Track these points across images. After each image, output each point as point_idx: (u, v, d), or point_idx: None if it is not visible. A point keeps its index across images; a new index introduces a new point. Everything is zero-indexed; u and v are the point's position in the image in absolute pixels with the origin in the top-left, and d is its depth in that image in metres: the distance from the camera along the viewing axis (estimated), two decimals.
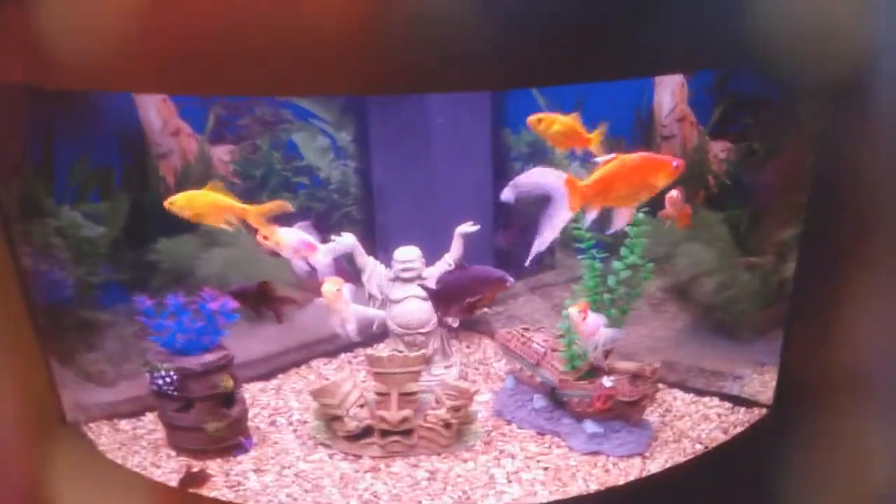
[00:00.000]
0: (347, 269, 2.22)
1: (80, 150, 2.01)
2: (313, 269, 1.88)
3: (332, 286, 1.88)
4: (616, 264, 1.94)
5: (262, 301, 1.88)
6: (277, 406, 2.24)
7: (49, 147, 1.95)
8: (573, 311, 1.83)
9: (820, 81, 1.73)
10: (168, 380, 1.88)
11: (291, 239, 1.83)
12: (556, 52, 1.37)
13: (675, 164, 1.51)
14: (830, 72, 1.64)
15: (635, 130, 2.27)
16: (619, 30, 1.37)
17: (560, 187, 1.55)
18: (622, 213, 1.60)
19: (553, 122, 1.84)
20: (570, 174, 1.56)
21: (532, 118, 1.84)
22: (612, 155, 1.54)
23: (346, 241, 2.23)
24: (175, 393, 1.89)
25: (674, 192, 1.86)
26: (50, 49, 1.43)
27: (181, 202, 1.70)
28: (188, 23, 1.36)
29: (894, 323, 1.81)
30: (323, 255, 1.86)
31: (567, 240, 2.54)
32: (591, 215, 1.57)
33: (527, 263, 1.76)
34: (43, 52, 1.43)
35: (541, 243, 1.60)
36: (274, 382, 2.39)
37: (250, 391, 2.29)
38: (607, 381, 1.89)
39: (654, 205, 1.78)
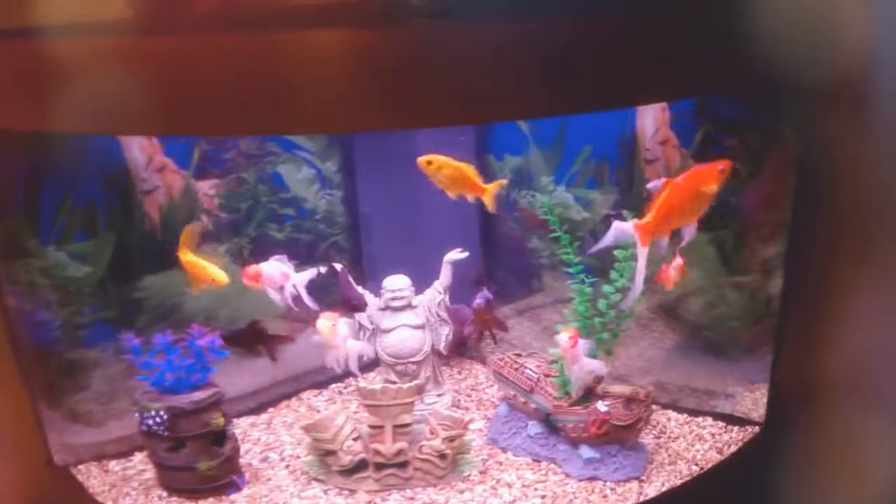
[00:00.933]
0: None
1: (65, 189, 1.99)
2: (297, 300, 1.91)
3: (326, 321, 1.88)
4: (606, 288, 1.95)
5: (254, 341, 1.87)
6: (269, 441, 2.21)
7: (34, 188, 1.93)
8: (563, 336, 1.84)
9: (801, 103, 1.77)
10: (158, 419, 1.85)
11: (271, 272, 1.87)
12: (540, 86, 1.38)
13: (720, 168, 1.54)
14: (815, 89, 1.68)
15: (619, 154, 2.30)
16: (602, 63, 1.40)
17: (632, 234, 1.57)
18: (689, 229, 1.62)
19: (443, 166, 1.86)
20: (636, 222, 1.57)
21: (422, 159, 1.86)
22: (662, 181, 1.56)
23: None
24: (166, 433, 1.86)
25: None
26: (35, 93, 1.43)
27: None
28: (180, 67, 1.36)
29: (882, 336, 1.83)
30: (298, 280, 1.90)
31: (555, 263, 2.57)
32: (664, 242, 1.59)
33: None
34: (29, 95, 1.44)
35: (634, 292, 1.63)
36: (264, 416, 2.36)
37: (241, 426, 2.26)
38: (602, 406, 1.89)
39: None
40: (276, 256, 1.92)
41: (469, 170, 1.88)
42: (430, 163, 1.86)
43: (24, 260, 1.92)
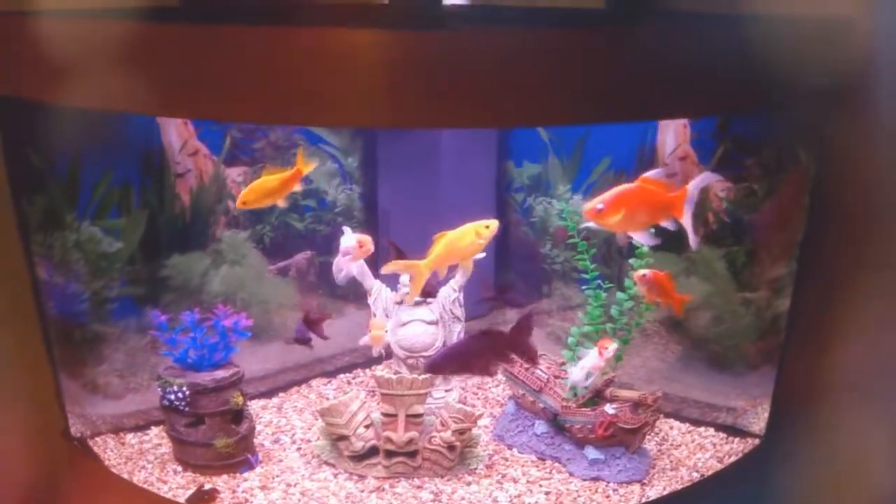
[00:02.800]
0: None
1: (104, 167, 2.05)
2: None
3: (379, 330, 2.18)
4: (619, 295, 2.01)
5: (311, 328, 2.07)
6: (280, 424, 2.27)
7: (77, 163, 1.99)
8: (606, 345, 1.93)
9: (818, 124, 1.83)
10: (180, 395, 1.91)
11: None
12: (562, 94, 1.44)
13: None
14: (832, 110, 1.74)
15: (637, 167, 2.36)
16: (625, 75, 1.45)
17: None
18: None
19: (254, 194, 1.89)
20: None
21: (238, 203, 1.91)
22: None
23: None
24: (186, 408, 1.92)
25: (644, 272, 1.93)
26: (82, 71, 1.48)
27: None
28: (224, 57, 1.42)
29: (886, 357, 1.89)
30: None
31: (566, 269, 2.63)
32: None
33: None
34: (76, 74, 1.49)
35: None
36: (275, 400, 2.42)
37: (252, 408, 2.31)
38: (609, 409, 1.95)
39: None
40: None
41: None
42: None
43: (60, 232, 1.98)
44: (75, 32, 1.48)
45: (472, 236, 1.92)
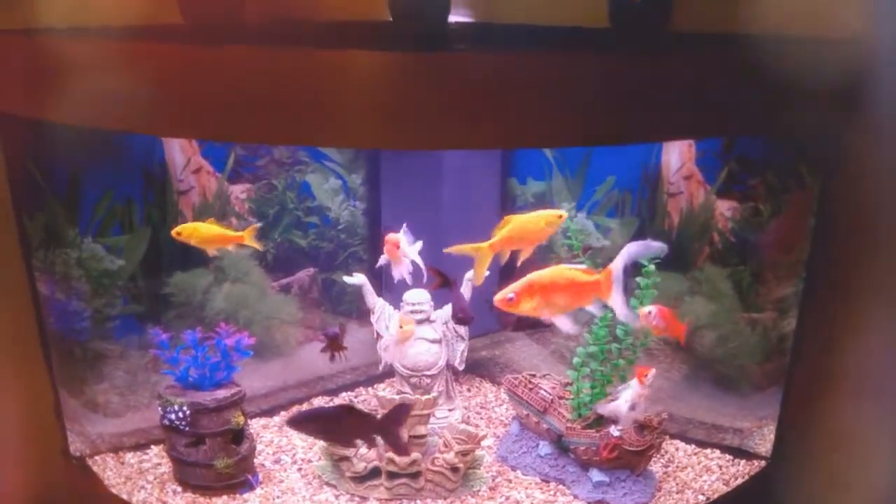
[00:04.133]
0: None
1: (107, 184, 2.05)
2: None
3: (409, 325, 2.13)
4: None
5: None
6: (281, 444, 2.25)
7: (77, 180, 1.99)
8: (646, 372, 1.89)
9: (824, 146, 1.83)
10: (181, 414, 1.89)
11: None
12: (565, 116, 1.44)
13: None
14: (838, 133, 1.74)
15: (642, 185, 2.36)
16: (628, 97, 1.45)
17: None
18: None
19: (194, 231, 1.97)
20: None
21: (173, 231, 1.97)
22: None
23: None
24: (187, 428, 1.90)
25: (649, 310, 1.90)
26: (83, 90, 1.48)
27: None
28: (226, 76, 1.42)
29: (892, 377, 1.87)
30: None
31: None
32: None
33: None
34: (75, 92, 1.49)
35: None
36: (276, 419, 2.40)
37: (252, 427, 2.29)
38: (614, 430, 1.93)
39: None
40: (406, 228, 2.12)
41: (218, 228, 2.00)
42: (179, 233, 1.96)
43: (62, 249, 1.97)
44: (78, 50, 1.48)
45: (541, 223, 1.84)
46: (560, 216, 1.85)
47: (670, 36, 1.86)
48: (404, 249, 2.11)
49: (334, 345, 2.15)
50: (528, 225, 1.85)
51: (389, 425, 1.81)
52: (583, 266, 1.65)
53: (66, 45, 1.52)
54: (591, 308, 1.68)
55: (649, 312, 1.88)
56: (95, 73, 1.45)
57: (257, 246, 2.10)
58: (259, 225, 2.14)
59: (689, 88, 1.47)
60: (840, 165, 1.84)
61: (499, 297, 1.65)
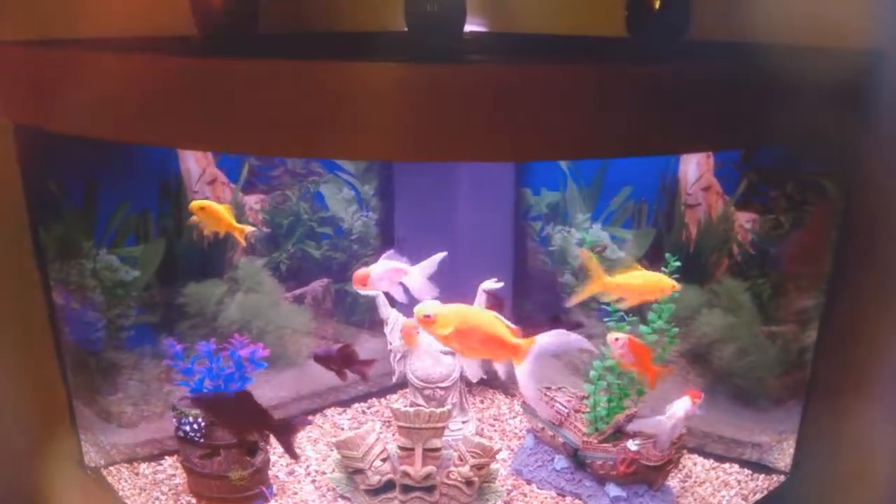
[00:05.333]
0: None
1: (122, 195, 2.05)
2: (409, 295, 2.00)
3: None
4: (642, 328, 1.97)
5: (345, 364, 1.95)
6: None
7: (94, 191, 1.99)
8: (699, 393, 1.87)
9: (846, 156, 1.80)
10: (196, 426, 1.88)
11: (380, 270, 1.95)
12: (582, 128, 1.42)
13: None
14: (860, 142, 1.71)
15: (659, 196, 2.33)
16: (646, 109, 1.43)
17: None
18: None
19: (207, 206, 2.02)
20: None
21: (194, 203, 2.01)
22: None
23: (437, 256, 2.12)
24: (201, 439, 1.90)
25: (617, 336, 1.88)
26: (98, 102, 1.48)
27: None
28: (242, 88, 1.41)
29: None
30: (416, 276, 1.98)
31: (586, 300, 2.59)
32: None
33: None
34: (91, 104, 1.49)
35: None
36: None
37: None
38: (632, 445, 1.91)
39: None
40: (386, 254, 2.03)
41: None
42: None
43: (77, 260, 1.97)
44: (94, 62, 1.49)
45: (659, 286, 1.87)
46: (673, 287, 1.87)
47: (689, 44, 1.85)
48: (374, 280, 2.04)
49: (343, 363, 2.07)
50: (648, 281, 1.86)
51: (282, 429, 1.82)
52: (513, 327, 1.63)
53: (83, 56, 1.52)
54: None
55: (616, 339, 1.85)
56: (111, 85, 1.45)
57: (241, 242, 2.13)
58: (254, 230, 2.20)
59: (708, 99, 1.45)
60: (863, 176, 1.82)
61: (419, 310, 1.67)
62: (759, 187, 2.03)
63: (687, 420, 1.87)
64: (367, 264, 2.81)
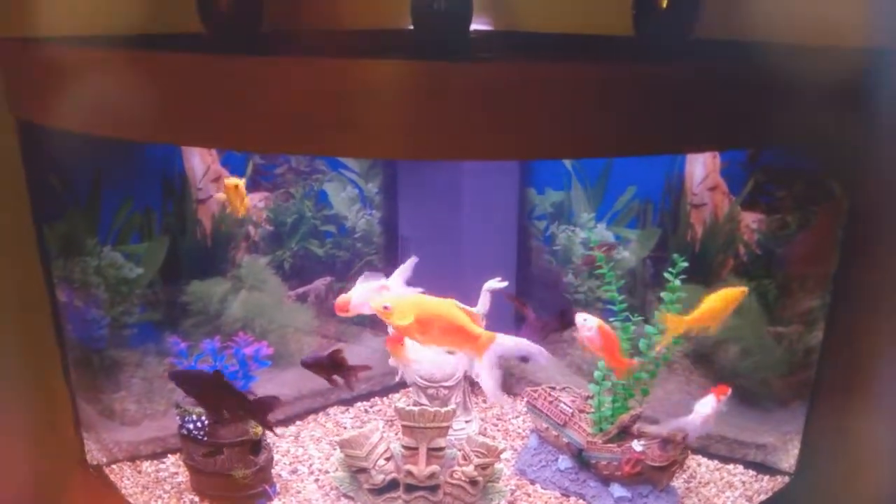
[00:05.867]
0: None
1: (125, 193, 2.05)
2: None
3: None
4: (648, 328, 1.96)
5: (334, 370, 1.90)
6: (297, 454, 2.23)
7: (97, 189, 1.99)
8: (725, 391, 1.88)
9: (852, 157, 1.79)
10: (199, 424, 1.88)
11: (360, 294, 1.93)
12: (587, 127, 1.42)
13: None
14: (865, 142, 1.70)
15: (664, 196, 2.32)
16: (651, 108, 1.42)
17: None
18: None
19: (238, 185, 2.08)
20: None
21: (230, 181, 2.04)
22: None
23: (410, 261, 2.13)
24: (205, 438, 1.89)
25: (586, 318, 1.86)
26: (102, 99, 1.48)
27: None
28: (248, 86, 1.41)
29: None
30: (396, 285, 1.97)
31: (589, 299, 2.58)
32: None
33: None
34: (95, 101, 1.49)
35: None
36: (292, 429, 2.38)
37: (270, 438, 2.27)
38: (637, 445, 1.90)
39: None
40: (366, 274, 2.01)
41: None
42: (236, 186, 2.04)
43: (81, 257, 1.97)
44: (98, 59, 1.48)
45: (734, 300, 1.86)
46: (743, 291, 1.86)
47: (695, 43, 1.84)
48: (356, 306, 2.01)
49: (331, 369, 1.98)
50: (723, 299, 1.85)
51: (257, 408, 1.83)
52: (472, 311, 1.63)
53: (86, 53, 1.52)
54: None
55: (585, 320, 1.84)
56: (115, 82, 1.45)
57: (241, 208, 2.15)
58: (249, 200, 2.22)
59: (714, 98, 1.44)
60: (868, 176, 1.81)
61: (377, 302, 1.67)
62: (765, 187, 2.03)
63: (716, 416, 1.87)
64: (370, 262, 2.84)
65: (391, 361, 2.26)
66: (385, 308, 1.64)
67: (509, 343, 1.61)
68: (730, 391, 1.88)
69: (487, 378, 1.61)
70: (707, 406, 1.86)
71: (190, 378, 1.84)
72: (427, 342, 1.69)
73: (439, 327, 1.62)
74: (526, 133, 1.38)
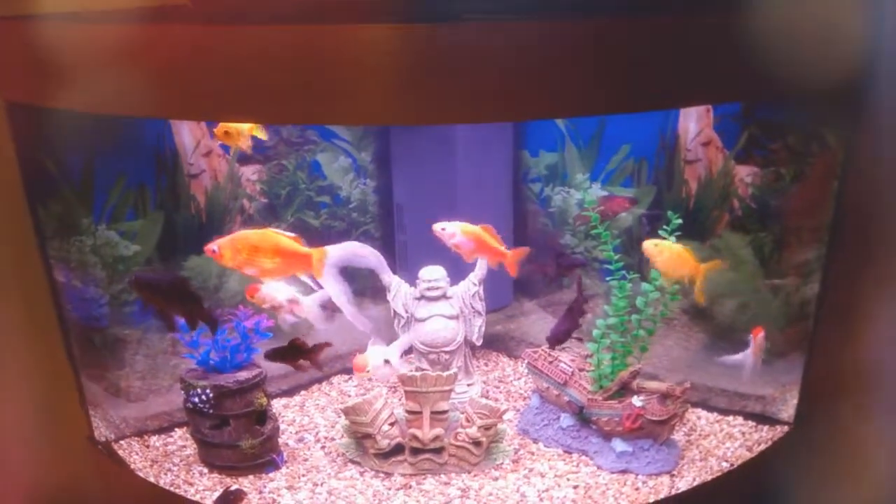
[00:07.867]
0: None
1: (118, 169, 2.04)
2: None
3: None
4: (645, 286, 1.98)
5: (296, 356, 1.93)
6: (303, 423, 2.26)
7: (90, 168, 1.98)
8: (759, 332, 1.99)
9: (845, 108, 1.78)
10: (204, 397, 1.90)
11: (275, 296, 1.94)
12: (580, 85, 1.40)
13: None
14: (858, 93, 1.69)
15: (659, 153, 2.32)
16: (641, 64, 1.41)
17: None
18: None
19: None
20: None
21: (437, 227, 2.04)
22: None
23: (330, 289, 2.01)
24: (211, 410, 1.91)
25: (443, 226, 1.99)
26: (90, 76, 1.46)
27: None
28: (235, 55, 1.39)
29: None
30: (308, 307, 1.98)
31: (587, 260, 2.59)
32: None
33: None
34: (83, 78, 1.47)
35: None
36: (297, 398, 2.41)
37: (274, 407, 2.30)
38: (637, 401, 1.92)
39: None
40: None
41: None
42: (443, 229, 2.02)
43: (77, 237, 1.97)
44: (85, 35, 1.46)
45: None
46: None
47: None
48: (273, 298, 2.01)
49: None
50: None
51: (209, 319, 1.83)
52: (293, 235, 1.66)
53: (73, 30, 1.50)
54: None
55: (443, 229, 1.90)
56: (103, 58, 1.43)
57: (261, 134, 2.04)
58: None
59: (706, 51, 1.43)
60: (862, 126, 1.80)
61: (206, 248, 1.70)
62: (759, 140, 2.02)
63: (760, 352, 1.99)
64: (366, 232, 2.83)
65: (395, 326, 2.28)
66: (213, 251, 1.68)
67: (339, 251, 1.64)
68: (764, 331, 1.98)
69: (339, 294, 1.65)
70: (751, 346, 1.98)
71: (152, 283, 1.80)
72: (267, 275, 1.72)
73: (268, 256, 1.66)
74: (519, 93, 1.37)
